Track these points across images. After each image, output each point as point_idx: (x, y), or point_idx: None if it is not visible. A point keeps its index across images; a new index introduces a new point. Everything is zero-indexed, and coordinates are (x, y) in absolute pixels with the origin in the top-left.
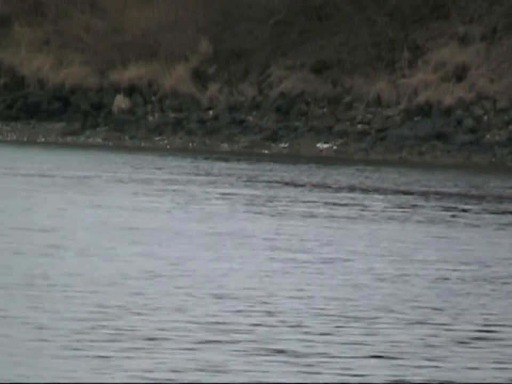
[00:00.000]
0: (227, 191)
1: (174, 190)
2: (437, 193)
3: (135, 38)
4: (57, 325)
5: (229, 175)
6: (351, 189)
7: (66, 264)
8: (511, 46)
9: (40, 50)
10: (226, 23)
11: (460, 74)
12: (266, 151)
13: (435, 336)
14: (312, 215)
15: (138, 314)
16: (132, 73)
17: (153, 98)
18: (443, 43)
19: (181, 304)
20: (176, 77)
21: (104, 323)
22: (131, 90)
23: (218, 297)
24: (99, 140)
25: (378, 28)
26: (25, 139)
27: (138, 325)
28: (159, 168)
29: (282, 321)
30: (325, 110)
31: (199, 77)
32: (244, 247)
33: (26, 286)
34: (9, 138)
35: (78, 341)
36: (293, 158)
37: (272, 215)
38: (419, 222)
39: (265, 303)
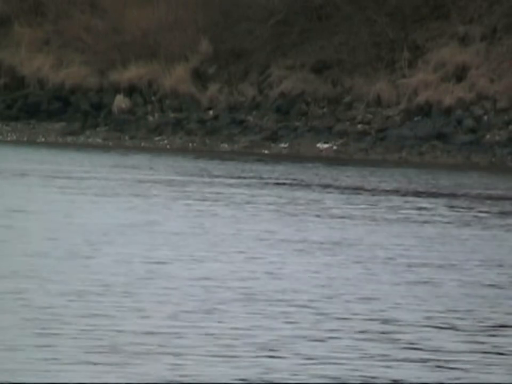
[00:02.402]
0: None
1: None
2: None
3: (135, 38)
4: None
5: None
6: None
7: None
8: (511, 46)
9: (40, 50)
10: (226, 23)
11: (460, 74)
12: (266, 151)
13: None
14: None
15: None
16: (132, 73)
17: (153, 98)
18: (443, 43)
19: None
20: (176, 77)
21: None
22: (131, 90)
23: None
24: (99, 140)
25: (378, 28)
26: (25, 139)
27: None
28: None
29: None
30: (325, 110)
31: (199, 77)
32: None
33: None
34: (9, 138)
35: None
36: (293, 158)
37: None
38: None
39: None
